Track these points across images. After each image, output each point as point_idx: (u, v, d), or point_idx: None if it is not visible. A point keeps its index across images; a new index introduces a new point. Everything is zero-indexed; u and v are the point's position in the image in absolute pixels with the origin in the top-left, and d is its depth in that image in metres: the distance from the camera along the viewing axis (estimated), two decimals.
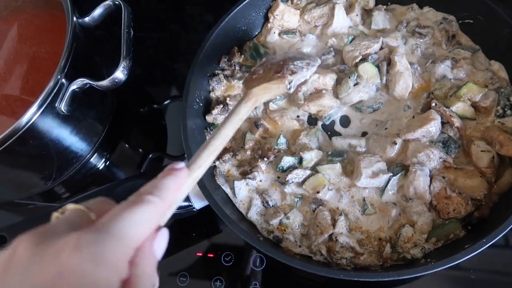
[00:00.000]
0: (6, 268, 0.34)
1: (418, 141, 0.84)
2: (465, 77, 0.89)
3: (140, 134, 1.22)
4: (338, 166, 0.84)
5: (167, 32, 1.32)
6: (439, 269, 0.67)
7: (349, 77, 0.90)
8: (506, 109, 0.83)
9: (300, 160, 0.86)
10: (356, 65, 0.91)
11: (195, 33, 1.30)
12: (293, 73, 0.70)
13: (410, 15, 1.00)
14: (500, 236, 0.67)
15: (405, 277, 0.68)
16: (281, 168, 0.86)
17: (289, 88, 0.70)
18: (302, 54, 0.77)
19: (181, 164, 0.46)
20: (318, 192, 0.82)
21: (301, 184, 0.84)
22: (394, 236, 0.79)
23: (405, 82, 0.88)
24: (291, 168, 0.85)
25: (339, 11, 0.98)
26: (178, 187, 0.44)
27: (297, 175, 0.84)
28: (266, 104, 0.95)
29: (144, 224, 0.39)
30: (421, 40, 0.95)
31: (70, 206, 0.41)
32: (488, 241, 0.67)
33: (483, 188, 0.78)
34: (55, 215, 0.42)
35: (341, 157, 0.87)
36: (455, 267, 0.82)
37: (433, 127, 0.82)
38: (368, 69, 0.90)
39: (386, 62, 0.91)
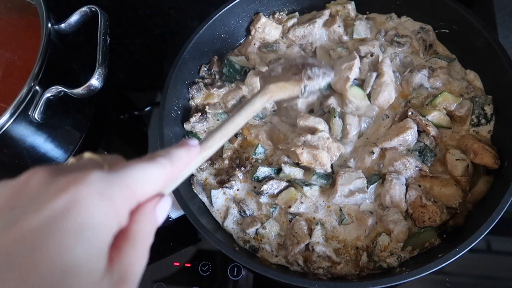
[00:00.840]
0: (18, 193, 0.36)
1: (395, 149, 0.84)
2: (441, 86, 0.90)
3: (120, 141, 1.21)
4: (316, 188, 0.84)
5: (152, 38, 1.31)
6: (413, 278, 0.68)
7: (334, 116, 0.88)
8: (480, 118, 0.85)
9: (278, 171, 0.86)
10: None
11: (180, 38, 1.29)
12: (310, 78, 0.73)
13: (389, 24, 1.01)
14: (473, 244, 0.68)
15: (379, 286, 0.68)
16: (256, 178, 0.86)
17: (303, 93, 0.73)
18: (320, 62, 0.79)
19: (195, 142, 0.48)
20: (290, 207, 0.81)
21: (275, 195, 0.84)
22: (371, 244, 0.79)
23: (389, 94, 0.88)
24: (267, 179, 0.85)
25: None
26: (188, 160, 0.46)
27: (272, 186, 0.83)
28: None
29: (151, 181, 0.40)
30: (400, 49, 0.96)
31: (87, 155, 0.42)
32: (461, 250, 0.68)
33: (458, 197, 0.79)
34: (71, 160, 0.44)
35: (327, 180, 0.85)
36: (438, 272, 0.83)
37: (410, 136, 0.83)
38: (356, 93, 0.89)
39: (374, 73, 0.90)
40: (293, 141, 0.86)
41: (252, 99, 0.64)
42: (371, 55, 0.92)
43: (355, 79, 0.89)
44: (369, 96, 0.90)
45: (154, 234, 0.41)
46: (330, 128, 0.88)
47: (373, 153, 0.85)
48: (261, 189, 0.83)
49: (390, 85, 0.88)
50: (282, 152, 0.88)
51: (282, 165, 0.85)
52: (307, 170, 0.86)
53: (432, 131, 0.83)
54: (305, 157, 0.83)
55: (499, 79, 0.83)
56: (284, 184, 0.84)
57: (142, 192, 0.40)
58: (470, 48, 0.90)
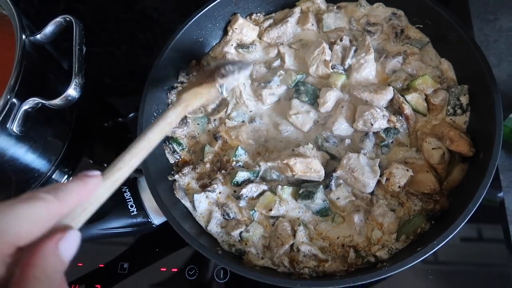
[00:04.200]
0: None
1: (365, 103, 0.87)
2: (414, 73, 0.91)
3: (104, 148, 1.20)
4: (288, 190, 0.84)
5: (136, 43, 1.31)
6: (392, 273, 0.69)
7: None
8: (456, 109, 0.86)
9: (258, 173, 0.86)
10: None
11: (164, 42, 1.30)
12: (223, 76, 0.70)
13: (360, 12, 1.01)
14: (449, 238, 0.69)
15: (361, 282, 0.69)
16: (235, 182, 0.86)
17: (221, 92, 0.71)
18: (235, 60, 0.77)
19: (95, 172, 0.46)
20: (270, 210, 0.82)
21: (254, 199, 0.84)
22: (367, 241, 0.80)
23: (371, 71, 0.91)
24: (246, 182, 0.85)
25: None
26: (84, 192, 0.44)
27: (251, 189, 0.83)
28: (222, 119, 0.95)
29: (30, 221, 0.37)
30: (371, 38, 0.96)
31: None
32: (439, 243, 0.69)
33: (430, 183, 0.80)
34: None
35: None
36: (431, 262, 0.86)
37: (383, 101, 0.85)
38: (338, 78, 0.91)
39: (353, 47, 0.93)
40: (283, 154, 0.85)
41: (164, 113, 0.62)
42: (341, 40, 0.94)
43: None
44: (348, 70, 0.93)
45: (62, 274, 0.38)
46: None
47: (343, 107, 0.87)
48: (240, 193, 0.83)
49: (373, 63, 0.91)
50: (272, 168, 0.87)
51: (261, 163, 0.86)
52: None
53: (407, 109, 0.85)
54: (298, 167, 0.82)
55: (471, 72, 0.84)
56: (263, 187, 0.84)
57: (19, 235, 0.36)
58: (444, 42, 0.91)
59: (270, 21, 1.04)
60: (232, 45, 1.02)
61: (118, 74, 1.27)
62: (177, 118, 0.64)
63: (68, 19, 0.90)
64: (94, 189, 0.45)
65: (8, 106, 0.81)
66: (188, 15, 0.98)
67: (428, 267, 0.86)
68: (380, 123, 0.83)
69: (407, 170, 0.81)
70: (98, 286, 0.90)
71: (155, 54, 0.94)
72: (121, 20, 1.36)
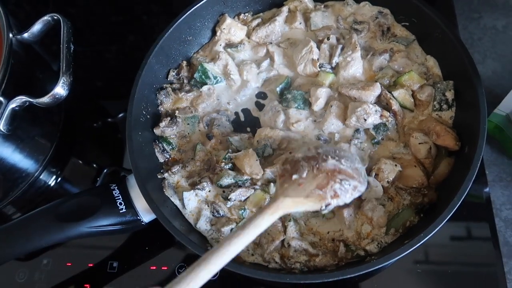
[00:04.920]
0: None
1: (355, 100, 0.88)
2: (401, 70, 0.92)
3: (94, 149, 1.20)
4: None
5: (126, 44, 1.31)
6: (382, 265, 0.69)
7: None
8: (442, 104, 0.87)
9: (244, 181, 0.86)
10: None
11: (153, 42, 1.30)
12: (335, 196, 0.62)
13: (347, 10, 1.02)
14: (435, 231, 0.70)
15: (350, 275, 0.69)
16: (219, 185, 0.85)
17: (323, 210, 0.63)
18: (354, 162, 0.67)
19: None
20: (261, 208, 0.81)
21: (244, 201, 0.84)
22: (357, 236, 0.80)
23: (358, 69, 0.92)
24: (234, 186, 0.85)
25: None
26: None
27: (240, 194, 0.83)
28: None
29: None
30: (358, 36, 0.97)
31: None
32: (426, 235, 0.70)
33: (418, 177, 0.81)
34: None
35: None
36: (421, 261, 0.86)
37: (371, 97, 0.86)
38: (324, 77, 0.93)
39: (340, 45, 0.94)
40: (280, 157, 0.85)
41: (256, 218, 0.54)
42: (328, 39, 0.95)
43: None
44: (335, 68, 0.94)
45: None
46: None
47: (331, 106, 0.88)
48: (230, 197, 0.83)
49: (360, 60, 0.92)
50: (272, 173, 0.85)
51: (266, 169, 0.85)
52: None
53: (395, 105, 0.86)
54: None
55: (456, 68, 0.86)
56: (251, 191, 0.84)
57: None
58: (429, 40, 0.92)
59: (258, 20, 1.05)
60: (220, 45, 1.03)
61: (108, 75, 1.26)
62: (269, 225, 0.57)
63: (55, 17, 0.90)
64: None
65: None
66: (176, 16, 0.98)
67: (419, 267, 0.86)
68: (373, 118, 0.84)
69: (395, 165, 0.82)
70: (87, 286, 0.90)
71: (144, 54, 0.94)
72: (111, 22, 1.36)
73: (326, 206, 0.62)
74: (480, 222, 0.90)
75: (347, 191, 0.63)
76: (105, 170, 1.11)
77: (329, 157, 0.66)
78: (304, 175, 0.62)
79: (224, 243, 0.50)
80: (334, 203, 0.63)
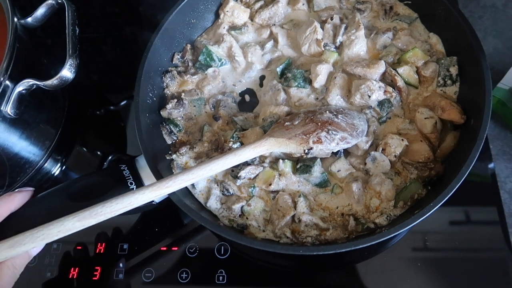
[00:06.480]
0: None
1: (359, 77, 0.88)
2: (404, 48, 0.93)
3: (97, 136, 1.20)
4: (289, 163, 0.84)
5: (124, 34, 1.31)
6: (393, 234, 0.70)
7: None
8: (446, 80, 0.88)
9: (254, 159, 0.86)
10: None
11: (150, 33, 1.30)
12: (318, 141, 0.65)
13: None
14: (445, 200, 0.71)
15: (362, 246, 0.70)
16: None
17: (307, 153, 0.66)
18: (348, 120, 0.69)
19: (27, 188, 0.54)
20: (270, 185, 0.83)
21: (253, 179, 0.85)
22: (366, 209, 0.81)
23: (362, 47, 0.93)
24: (243, 165, 0.84)
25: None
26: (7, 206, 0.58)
27: (249, 171, 0.83)
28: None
29: None
30: (361, 15, 0.98)
31: None
32: (436, 204, 0.71)
33: (424, 152, 0.82)
34: None
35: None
36: (421, 249, 0.87)
37: (376, 75, 0.87)
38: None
39: (343, 25, 0.94)
40: None
41: (239, 149, 0.60)
42: (331, 19, 0.95)
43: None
44: (339, 48, 0.94)
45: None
46: None
47: (335, 78, 0.88)
48: (239, 174, 0.83)
49: (364, 38, 0.93)
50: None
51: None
52: None
53: (399, 81, 0.87)
54: None
55: (460, 44, 0.87)
56: (260, 169, 0.84)
57: None
58: (432, 17, 0.93)
59: (261, 2, 1.05)
60: (224, 28, 1.03)
61: (106, 68, 1.26)
62: (250, 157, 0.64)
63: (60, 1, 0.90)
64: (18, 203, 0.55)
65: (1, 88, 0.80)
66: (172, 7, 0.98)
67: (419, 255, 0.87)
68: (377, 95, 0.85)
69: (402, 139, 0.83)
70: (98, 268, 0.90)
71: (142, 47, 0.94)
72: (108, 14, 1.35)
73: (308, 150, 0.65)
74: (486, 207, 0.91)
75: (333, 140, 0.67)
76: (110, 157, 1.11)
77: (327, 111, 0.70)
78: (296, 122, 0.67)
79: (202, 164, 0.57)
80: (317, 148, 0.66)
